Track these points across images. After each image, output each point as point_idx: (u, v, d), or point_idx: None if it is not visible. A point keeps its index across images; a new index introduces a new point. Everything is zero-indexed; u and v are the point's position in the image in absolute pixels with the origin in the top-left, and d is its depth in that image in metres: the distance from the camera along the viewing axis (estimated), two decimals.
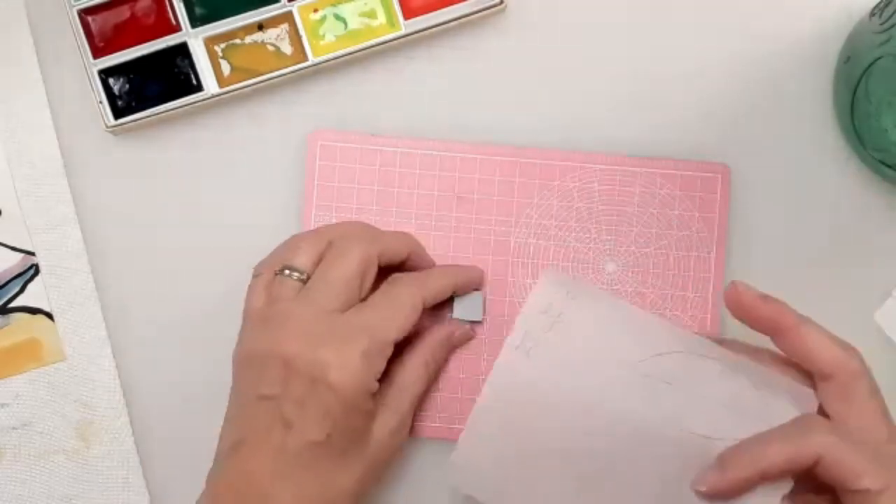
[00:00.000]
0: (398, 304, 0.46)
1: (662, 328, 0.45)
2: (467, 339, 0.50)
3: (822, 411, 0.44)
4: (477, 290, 0.50)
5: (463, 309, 0.50)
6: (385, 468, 0.47)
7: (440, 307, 0.50)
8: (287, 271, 0.46)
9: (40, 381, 0.51)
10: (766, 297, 0.44)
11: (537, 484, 0.46)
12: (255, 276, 0.48)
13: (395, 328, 0.46)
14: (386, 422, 0.46)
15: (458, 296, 0.50)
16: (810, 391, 0.44)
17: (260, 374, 0.45)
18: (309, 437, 0.44)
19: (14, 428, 0.51)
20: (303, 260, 0.47)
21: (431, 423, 0.50)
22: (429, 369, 0.49)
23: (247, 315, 0.47)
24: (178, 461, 0.51)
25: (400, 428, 0.47)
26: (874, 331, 0.51)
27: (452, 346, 0.50)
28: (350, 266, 0.46)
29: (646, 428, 0.45)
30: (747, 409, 0.44)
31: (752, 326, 0.45)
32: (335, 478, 0.45)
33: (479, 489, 0.46)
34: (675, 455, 0.45)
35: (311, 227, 0.51)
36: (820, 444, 0.41)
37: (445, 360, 0.50)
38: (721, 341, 0.46)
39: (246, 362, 0.46)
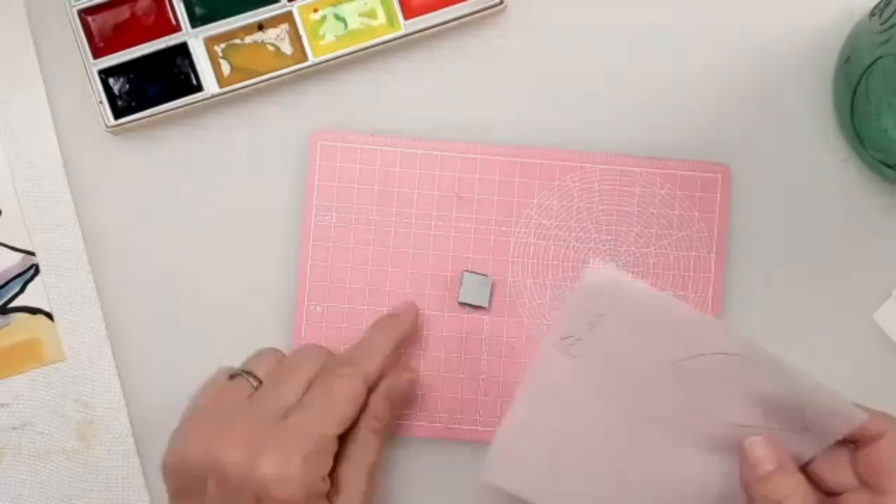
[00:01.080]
0: (336, 398, 0.45)
1: (709, 328, 0.44)
2: (410, 387, 0.49)
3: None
4: (485, 274, 0.50)
5: (469, 293, 0.50)
6: None
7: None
8: (244, 374, 0.47)
9: (40, 381, 0.51)
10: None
11: (574, 479, 0.46)
12: (215, 375, 0.48)
13: (336, 423, 0.44)
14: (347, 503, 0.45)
15: (466, 276, 0.50)
16: (859, 412, 0.44)
17: (195, 485, 0.43)
18: None
19: (14, 428, 0.51)
20: (262, 368, 0.47)
21: (431, 423, 0.50)
22: (378, 433, 0.47)
23: (190, 409, 0.47)
24: None
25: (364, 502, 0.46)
26: (874, 331, 0.51)
27: (398, 398, 0.48)
28: (300, 375, 0.46)
29: (680, 422, 0.45)
30: (785, 415, 0.45)
31: None
32: None
33: (514, 483, 0.47)
34: (708, 448, 0.46)
35: (311, 227, 0.51)
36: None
37: (397, 410, 0.49)
38: None
39: (179, 469, 0.44)
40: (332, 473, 0.44)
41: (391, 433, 0.50)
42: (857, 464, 0.45)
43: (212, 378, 0.48)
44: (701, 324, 0.44)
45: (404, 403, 0.50)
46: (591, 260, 0.45)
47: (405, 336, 0.49)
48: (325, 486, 0.44)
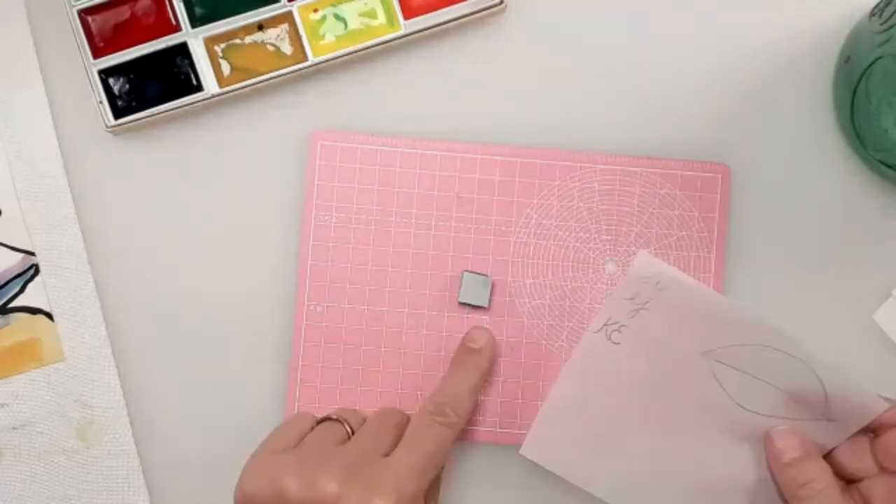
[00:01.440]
0: (431, 445, 0.46)
1: (748, 320, 0.47)
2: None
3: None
4: (485, 274, 0.50)
5: (469, 293, 0.50)
6: None
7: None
8: (340, 420, 0.47)
9: (40, 381, 0.51)
10: None
11: (609, 460, 0.49)
12: (294, 418, 0.48)
13: (434, 468, 0.46)
14: None
15: (466, 276, 0.50)
16: (881, 402, 0.46)
17: None
18: None
19: (14, 428, 0.51)
20: (355, 419, 0.48)
21: None
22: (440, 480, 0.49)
23: (271, 447, 0.46)
24: (178, 461, 0.51)
25: None
26: (874, 331, 0.51)
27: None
28: (395, 422, 0.47)
29: (713, 410, 0.48)
30: (810, 405, 0.47)
31: None
32: None
33: (551, 461, 0.49)
34: (738, 436, 0.48)
35: (311, 227, 0.51)
36: None
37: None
38: None
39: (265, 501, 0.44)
40: None
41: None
42: (876, 450, 0.47)
43: (290, 420, 0.48)
44: (737, 314, 0.47)
45: None
46: (641, 251, 0.47)
47: (488, 373, 0.50)
48: None
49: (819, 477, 0.46)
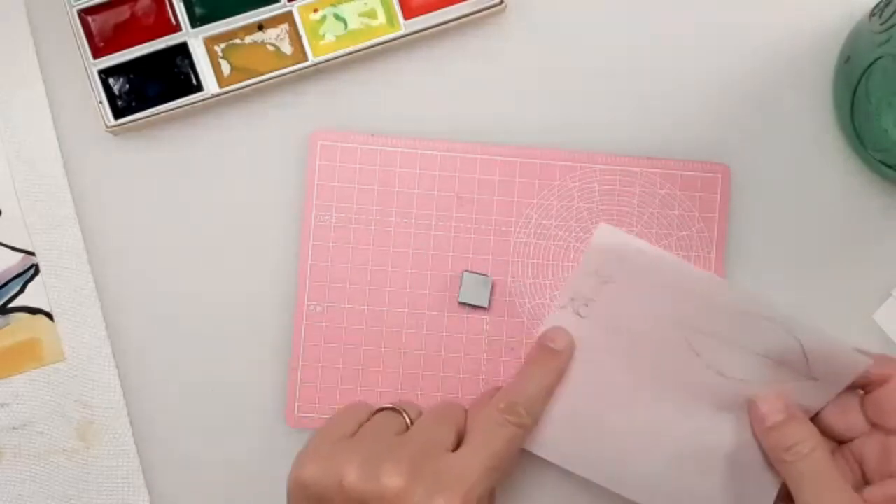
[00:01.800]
0: (500, 444, 0.44)
1: (719, 287, 0.46)
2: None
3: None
4: (485, 274, 0.50)
5: (469, 293, 0.50)
6: None
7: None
8: (400, 410, 0.46)
9: (40, 381, 0.51)
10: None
11: (591, 437, 0.48)
12: (351, 407, 0.47)
13: (500, 471, 0.44)
14: None
15: (466, 276, 0.50)
16: (861, 357, 0.45)
17: None
18: None
19: (14, 428, 0.51)
20: (413, 411, 0.47)
21: None
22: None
23: (326, 435, 0.45)
24: (178, 461, 0.51)
25: None
26: (874, 331, 0.51)
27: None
28: (455, 417, 0.46)
29: (691, 380, 0.47)
30: (791, 367, 0.46)
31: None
32: None
33: (530, 444, 0.48)
34: (720, 405, 0.47)
35: (311, 227, 0.51)
36: None
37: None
38: None
39: (318, 492, 0.43)
40: None
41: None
42: (867, 408, 0.46)
43: (347, 409, 0.47)
44: (707, 282, 0.46)
45: None
46: (602, 223, 0.46)
47: (563, 374, 0.48)
48: None
49: (805, 439, 0.44)
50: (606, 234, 0.46)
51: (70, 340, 0.51)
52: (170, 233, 0.52)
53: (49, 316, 0.51)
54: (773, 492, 0.47)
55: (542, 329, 0.48)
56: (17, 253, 0.51)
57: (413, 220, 0.51)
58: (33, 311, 0.51)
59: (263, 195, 0.51)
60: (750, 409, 0.47)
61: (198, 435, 0.51)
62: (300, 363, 0.51)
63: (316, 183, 0.51)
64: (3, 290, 0.51)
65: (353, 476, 0.42)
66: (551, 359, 0.48)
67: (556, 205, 0.51)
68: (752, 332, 0.46)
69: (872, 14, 0.48)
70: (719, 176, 0.51)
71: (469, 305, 0.50)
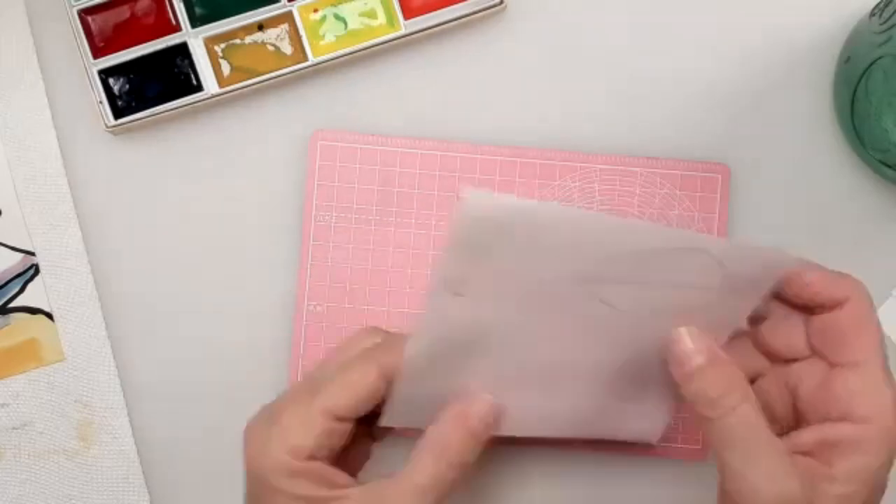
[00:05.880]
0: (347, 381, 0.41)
1: (620, 227, 0.39)
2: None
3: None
4: None
5: None
6: None
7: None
8: None
9: (40, 381, 0.51)
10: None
11: (517, 396, 0.42)
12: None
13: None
14: None
15: None
16: (782, 253, 0.40)
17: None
18: None
19: (14, 428, 0.51)
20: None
21: None
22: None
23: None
24: (178, 461, 0.51)
25: None
26: None
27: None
28: (345, 353, 0.43)
29: (606, 337, 0.41)
30: (705, 282, 0.40)
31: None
32: None
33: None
34: (642, 354, 0.42)
35: (311, 227, 0.51)
36: None
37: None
38: None
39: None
40: None
41: None
42: (811, 332, 0.41)
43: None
44: (606, 224, 0.39)
45: None
46: (463, 188, 0.41)
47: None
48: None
49: (730, 390, 0.38)
50: (475, 200, 0.36)
51: (70, 340, 0.51)
52: (170, 233, 0.52)
53: (49, 316, 0.51)
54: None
55: (422, 322, 0.39)
56: (17, 253, 0.51)
57: (413, 220, 0.51)
58: (33, 311, 0.51)
59: (263, 195, 0.51)
60: (668, 352, 0.40)
61: (198, 435, 0.51)
62: (300, 363, 0.51)
63: (316, 183, 0.51)
64: (3, 290, 0.51)
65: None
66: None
67: None
68: (657, 266, 0.39)
69: (872, 14, 0.48)
70: (719, 176, 0.51)
71: None
